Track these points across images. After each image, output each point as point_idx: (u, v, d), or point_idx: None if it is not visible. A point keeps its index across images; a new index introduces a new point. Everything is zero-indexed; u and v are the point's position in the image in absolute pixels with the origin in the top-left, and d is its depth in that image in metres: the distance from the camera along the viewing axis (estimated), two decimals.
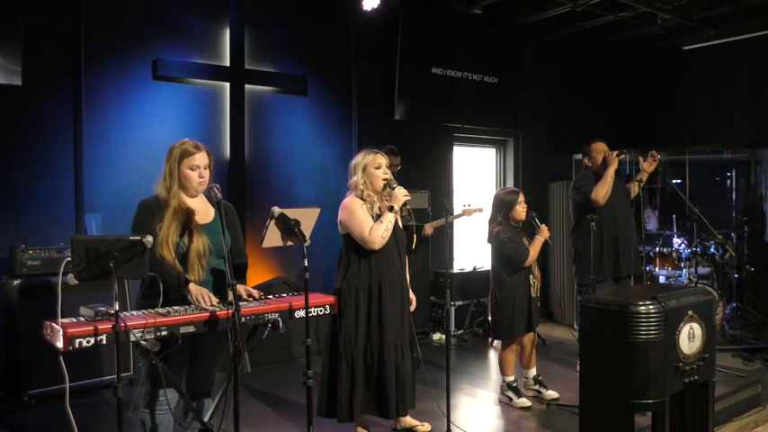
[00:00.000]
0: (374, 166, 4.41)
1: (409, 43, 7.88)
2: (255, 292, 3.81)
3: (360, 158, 4.46)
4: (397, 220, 4.47)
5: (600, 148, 6.03)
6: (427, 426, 4.72)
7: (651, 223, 8.52)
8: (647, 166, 6.04)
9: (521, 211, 5.39)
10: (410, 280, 4.70)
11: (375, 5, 6.98)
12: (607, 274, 5.90)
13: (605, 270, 5.88)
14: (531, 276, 5.38)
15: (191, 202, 3.68)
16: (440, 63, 8.27)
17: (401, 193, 4.30)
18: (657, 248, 7.89)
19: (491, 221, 5.53)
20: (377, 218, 4.36)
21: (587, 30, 8.79)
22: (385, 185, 4.41)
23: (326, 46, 7.60)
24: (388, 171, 4.44)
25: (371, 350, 4.37)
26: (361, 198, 4.41)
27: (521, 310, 5.34)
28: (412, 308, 4.64)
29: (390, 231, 4.33)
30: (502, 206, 5.43)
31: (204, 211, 3.73)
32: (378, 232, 4.28)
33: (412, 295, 4.66)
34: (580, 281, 6.03)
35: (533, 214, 5.48)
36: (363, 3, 6.97)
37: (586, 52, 9.84)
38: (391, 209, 4.31)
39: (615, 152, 5.87)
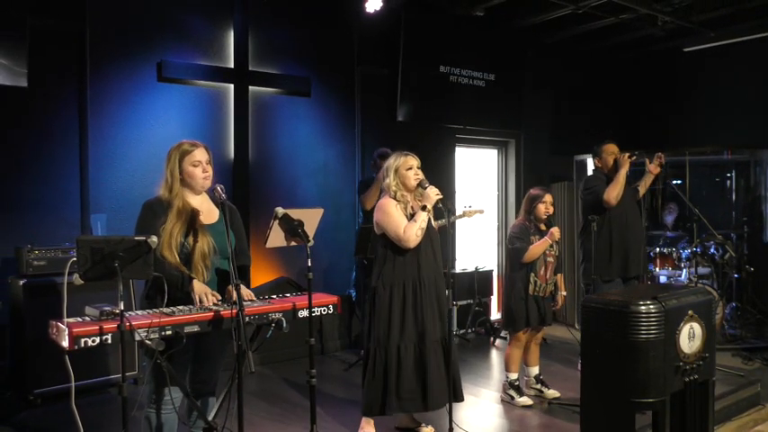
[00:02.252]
0: (405, 167, 4.54)
1: (412, 45, 7.90)
2: (247, 294, 3.82)
3: (391, 161, 4.60)
4: (430, 220, 4.58)
5: (611, 150, 6.08)
6: (430, 429, 4.76)
7: (670, 216, 8.52)
8: (653, 168, 6.08)
9: (542, 209, 5.48)
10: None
11: (378, 8, 7.01)
12: (615, 273, 5.94)
13: (614, 270, 5.93)
14: (532, 275, 5.42)
15: (195, 202, 3.70)
16: (442, 65, 8.30)
17: (433, 193, 4.41)
18: (658, 248, 7.91)
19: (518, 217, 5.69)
20: (411, 217, 4.47)
21: (589, 32, 8.81)
22: (418, 185, 4.52)
23: (330, 48, 7.63)
24: (419, 172, 4.56)
25: (405, 347, 4.44)
26: (395, 198, 4.53)
27: (517, 306, 5.43)
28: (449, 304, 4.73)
29: (424, 230, 4.44)
30: (527, 202, 5.58)
31: (209, 212, 3.75)
32: (412, 231, 4.38)
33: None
34: (587, 280, 6.06)
35: (552, 218, 5.55)
36: (366, 5, 7.00)
37: (588, 54, 9.87)
38: (424, 208, 4.43)
39: (627, 154, 5.92)
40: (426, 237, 4.50)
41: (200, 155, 3.69)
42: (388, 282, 4.50)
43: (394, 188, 4.55)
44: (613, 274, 5.93)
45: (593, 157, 6.26)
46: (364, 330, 4.70)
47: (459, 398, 4.62)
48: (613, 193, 5.82)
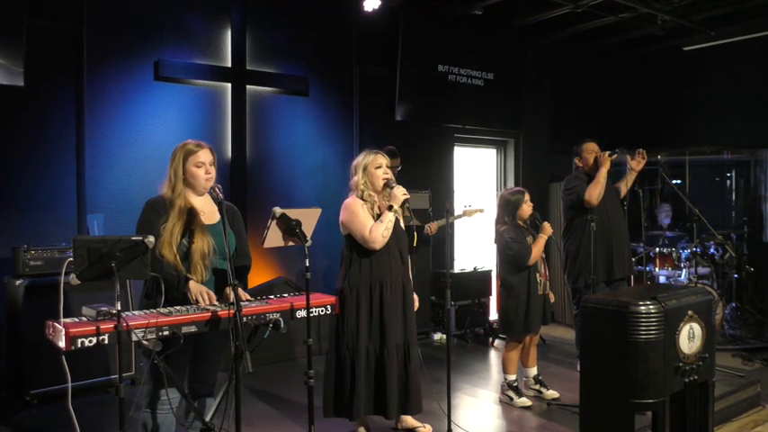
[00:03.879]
0: (374, 165, 4.43)
1: (410, 44, 7.89)
2: (245, 295, 3.81)
3: (360, 159, 4.49)
4: (398, 220, 4.48)
5: (591, 149, 6.02)
6: (428, 428, 4.72)
7: (666, 218, 8.50)
8: (635, 164, 6.04)
9: (527, 209, 5.43)
10: (412, 280, 4.70)
11: (375, 7, 6.98)
12: (600, 276, 5.84)
13: (598, 273, 5.81)
14: (537, 275, 5.39)
15: (197, 202, 3.71)
16: (441, 64, 8.28)
17: (400, 192, 4.32)
18: (657, 248, 7.90)
19: (497, 222, 5.56)
20: (378, 218, 4.38)
21: (588, 31, 8.79)
22: (385, 185, 4.42)
23: (328, 47, 7.61)
24: (388, 171, 4.45)
25: (373, 350, 4.38)
26: (362, 198, 4.43)
27: (524, 310, 5.35)
28: (415, 307, 4.65)
29: (390, 231, 4.34)
30: (508, 206, 5.45)
31: (210, 212, 3.75)
32: (378, 232, 4.29)
33: (415, 295, 4.66)
34: (573, 284, 6.01)
35: (536, 213, 5.50)
36: (364, 4, 6.97)
37: (587, 53, 9.86)
38: (390, 208, 4.33)
39: (607, 152, 5.86)
40: (393, 237, 4.39)
41: (205, 156, 3.68)
42: (355, 284, 4.39)
43: (362, 187, 4.44)
44: (598, 277, 5.81)
45: (574, 157, 6.18)
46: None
47: (416, 408, 4.49)
48: (594, 192, 5.76)
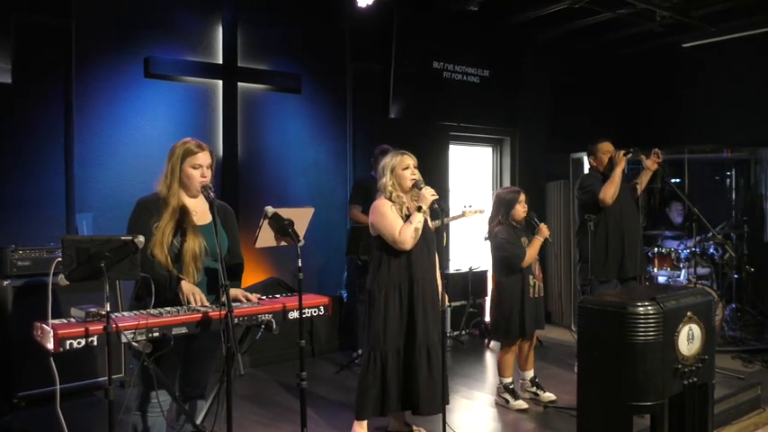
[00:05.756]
0: (402, 167, 4.47)
1: (404, 41, 7.83)
2: (254, 297, 3.77)
3: (388, 160, 4.53)
4: (426, 220, 4.52)
5: (606, 149, 6.00)
6: (423, 431, 4.70)
7: (678, 216, 8.45)
8: (650, 164, 6.01)
9: (520, 210, 5.37)
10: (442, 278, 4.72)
11: (369, 2, 6.89)
12: (612, 274, 5.86)
13: (610, 270, 5.85)
14: (531, 277, 5.33)
15: (190, 203, 3.68)
16: (436, 61, 8.23)
17: (428, 193, 4.33)
18: (656, 249, 7.84)
19: (491, 220, 5.52)
20: (407, 218, 4.40)
21: (585, 27, 8.74)
22: (413, 186, 4.45)
23: (321, 44, 7.55)
24: (416, 171, 4.49)
25: (401, 350, 4.41)
26: (390, 199, 4.46)
27: (518, 312, 5.31)
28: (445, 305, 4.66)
29: (420, 231, 4.37)
30: (502, 205, 5.42)
31: (202, 212, 3.70)
32: (408, 233, 4.32)
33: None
34: (584, 281, 5.98)
35: (533, 214, 5.45)
36: (358, 0, 6.89)
37: (584, 50, 9.79)
38: (419, 209, 4.36)
39: (622, 152, 5.84)
40: (422, 238, 4.43)
41: (204, 159, 3.65)
42: (384, 284, 4.44)
43: (390, 188, 4.48)
44: (610, 274, 5.85)
45: (588, 156, 6.20)
46: (361, 333, 4.64)
47: (447, 401, 4.52)
48: (609, 192, 5.75)
